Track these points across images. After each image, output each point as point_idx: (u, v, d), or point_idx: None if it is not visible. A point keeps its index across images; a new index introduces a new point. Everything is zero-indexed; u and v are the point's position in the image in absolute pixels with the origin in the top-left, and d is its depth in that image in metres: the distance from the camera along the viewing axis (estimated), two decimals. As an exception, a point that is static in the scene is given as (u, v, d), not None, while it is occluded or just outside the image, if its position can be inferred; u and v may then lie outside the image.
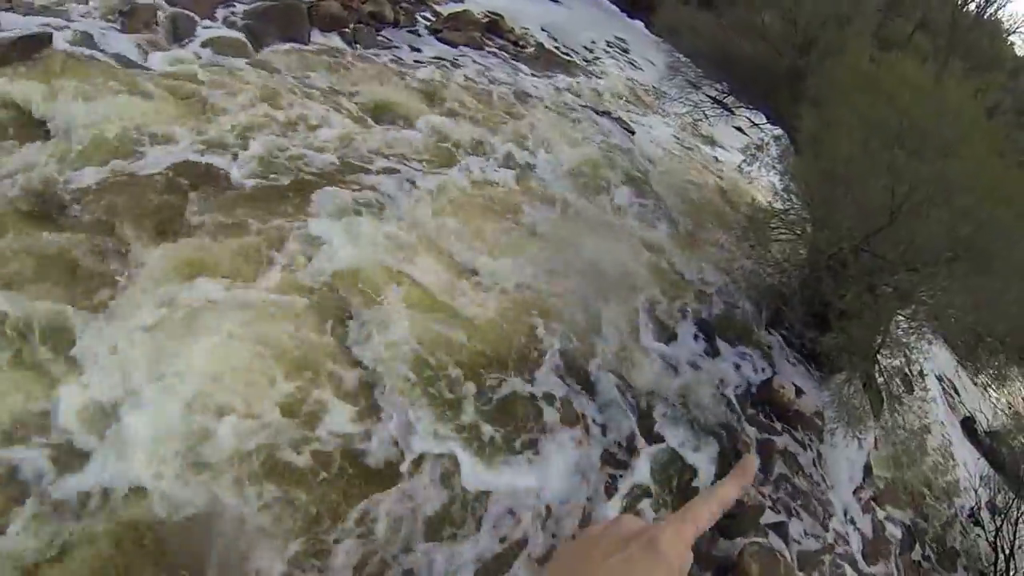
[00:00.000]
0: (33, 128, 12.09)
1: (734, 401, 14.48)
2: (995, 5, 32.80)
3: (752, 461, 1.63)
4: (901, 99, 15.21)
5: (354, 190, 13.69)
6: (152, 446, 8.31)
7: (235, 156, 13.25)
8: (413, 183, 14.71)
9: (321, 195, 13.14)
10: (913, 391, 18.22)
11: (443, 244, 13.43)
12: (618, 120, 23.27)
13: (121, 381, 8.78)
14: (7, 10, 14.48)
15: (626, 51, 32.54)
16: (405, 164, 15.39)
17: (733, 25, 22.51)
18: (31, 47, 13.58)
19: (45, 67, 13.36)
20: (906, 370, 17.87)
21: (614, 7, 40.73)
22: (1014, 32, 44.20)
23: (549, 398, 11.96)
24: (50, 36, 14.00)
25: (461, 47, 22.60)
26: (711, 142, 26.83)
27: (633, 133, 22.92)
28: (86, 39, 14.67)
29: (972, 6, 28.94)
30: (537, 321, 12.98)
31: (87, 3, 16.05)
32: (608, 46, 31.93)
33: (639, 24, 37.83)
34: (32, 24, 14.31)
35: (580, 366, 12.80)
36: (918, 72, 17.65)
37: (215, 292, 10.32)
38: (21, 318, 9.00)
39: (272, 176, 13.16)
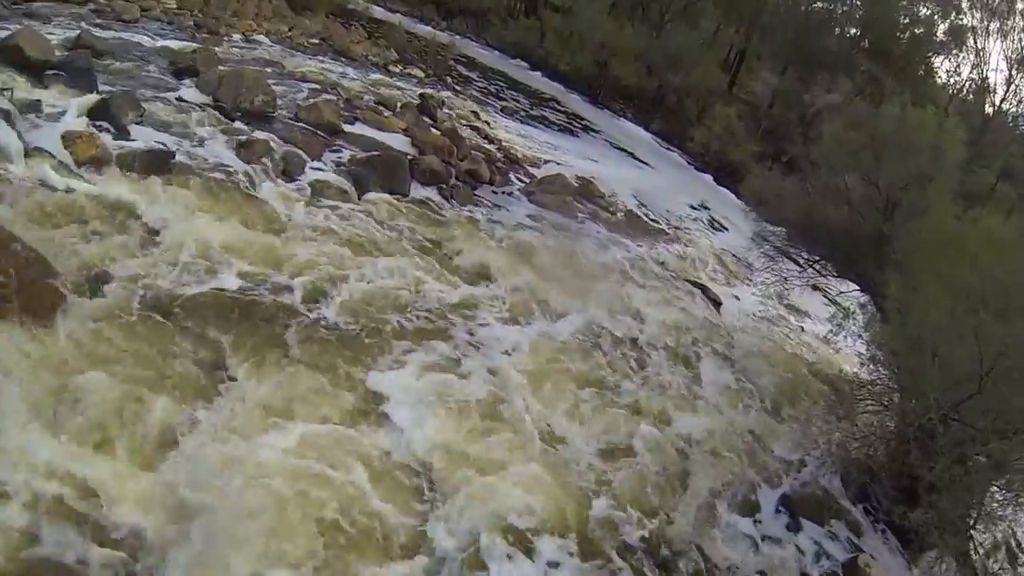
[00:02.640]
0: (147, 235, 12.82)
1: (817, 582, 13.74)
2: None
3: None
4: (984, 259, 15.15)
5: (440, 344, 13.95)
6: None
7: (327, 296, 13.68)
8: (497, 342, 14.93)
9: (406, 346, 13.43)
10: (1017, 568, 17.27)
11: (521, 408, 13.25)
12: (704, 289, 23.11)
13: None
14: (138, 123, 15.61)
15: (713, 218, 32.76)
16: (490, 322, 15.59)
17: (817, 190, 22.57)
18: (155, 161, 14.48)
19: (165, 181, 14.23)
20: (1008, 544, 17.01)
21: (703, 174, 41.50)
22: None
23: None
24: (172, 153, 14.97)
25: (552, 210, 22.94)
26: (797, 311, 26.25)
27: (719, 304, 22.72)
28: (204, 162, 15.55)
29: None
30: (615, 493, 12.63)
31: (209, 128, 17.15)
32: (696, 213, 32.18)
33: (728, 193, 38.20)
34: (159, 139, 15.35)
35: (658, 540, 12.34)
36: (1001, 229, 17.64)
37: (289, 435, 10.38)
38: (118, 404, 9.48)
39: (361, 322, 13.46)
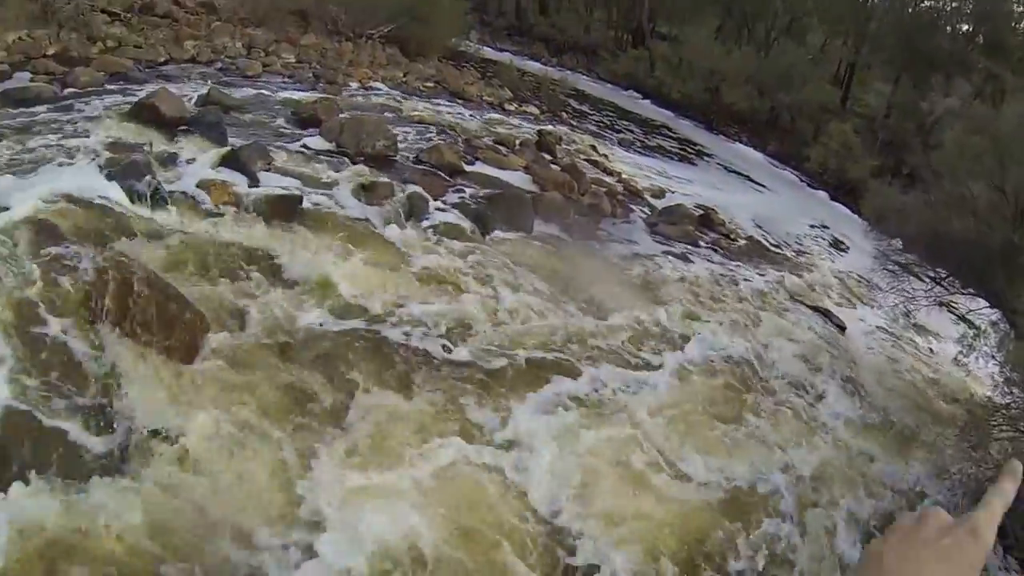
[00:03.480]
0: (278, 275, 13.31)
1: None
2: None
3: (1017, 464, 1.72)
4: None
5: (570, 380, 13.86)
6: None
7: (456, 334, 13.76)
8: (624, 375, 14.78)
9: (536, 384, 13.35)
10: None
11: (649, 445, 13.05)
12: (827, 313, 22.62)
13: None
14: (267, 171, 16.12)
15: (834, 239, 32.16)
16: (618, 355, 15.43)
17: (940, 202, 21.80)
18: (284, 205, 15.05)
19: (294, 224, 14.81)
20: None
21: (821, 193, 40.79)
22: None
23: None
24: (300, 198, 15.42)
25: (675, 240, 22.85)
26: (924, 332, 25.38)
27: (843, 328, 22.14)
28: (330, 205, 16.05)
29: None
30: (740, 528, 12.36)
31: (333, 173, 17.60)
32: (816, 234, 31.66)
33: (846, 210, 37.44)
34: (287, 185, 15.90)
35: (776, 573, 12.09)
36: None
37: (418, 469, 10.46)
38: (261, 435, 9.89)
39: (490, 359, 13.46)
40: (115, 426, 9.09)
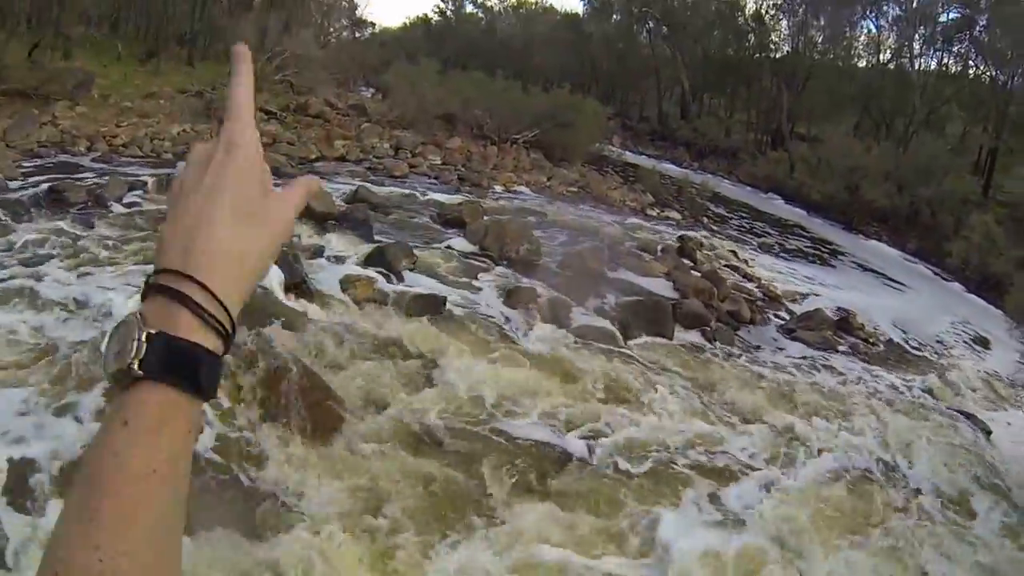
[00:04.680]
0: (420, 372, 13.78)
1: None
2: None
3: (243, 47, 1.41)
4: None
5: (707, 490, 13.59)
6: None
7: (596, 438, 13.76)
8: (762, 487, 14.36)
9: (673, 493, 13.10)
10: None
11: (785, 560, 12.53)
12: (972, 418, 21.33)
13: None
14: (411, 270, 16.36)
15: (978, 338, 30.71)
16: (756, 465, 15.09)
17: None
18: (428, 304, 15.80)
19: (436, 324, 15.33)
20: None
21: (961, 289, 39.41)
22: None
23: None
24: (444, 299, 15.83)
25: (813, 346, 22.52)
26: None
27: (989, 432, 20.87)
28: (474, 307, 16.65)
29: None
30: None
31: (477, 275, 17.77)
32: (958, 334, 30.41)
33: (989, 306, 35.90)
34: (431, 285, 16.27)
35: None
36: None
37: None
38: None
39: (630, 465, 13.33)
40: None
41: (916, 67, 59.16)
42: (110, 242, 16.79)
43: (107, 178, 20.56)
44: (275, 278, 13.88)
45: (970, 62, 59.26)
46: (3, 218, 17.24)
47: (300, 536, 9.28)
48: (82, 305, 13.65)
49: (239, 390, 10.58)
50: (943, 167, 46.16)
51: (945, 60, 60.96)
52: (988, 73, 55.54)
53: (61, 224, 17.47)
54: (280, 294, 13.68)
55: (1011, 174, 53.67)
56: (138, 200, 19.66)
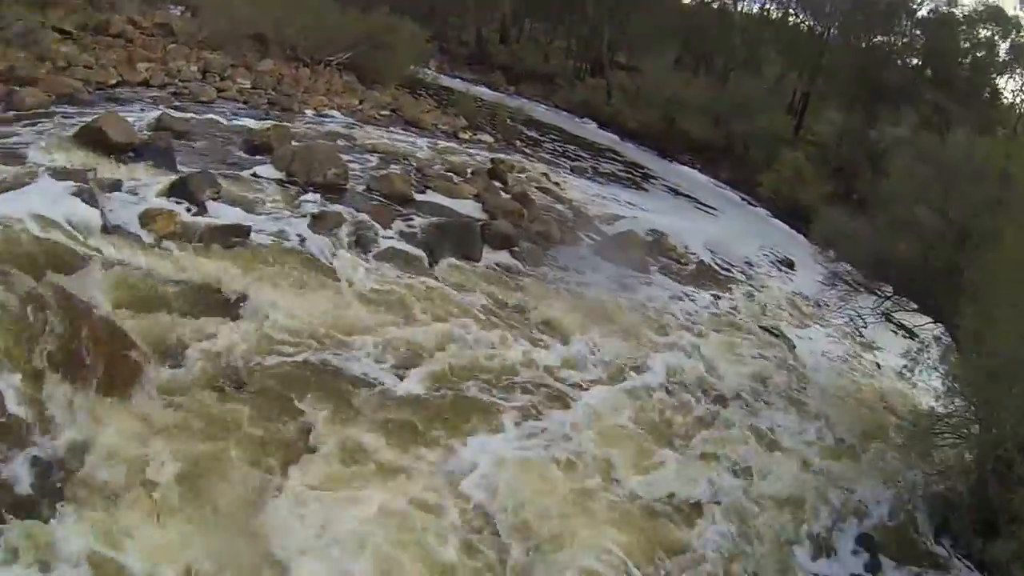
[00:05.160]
0: (224, 307, 13.17)
1: (903, 624, 13.02)
2: None
3: None
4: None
5: (517, 407, 13.87)
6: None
7: (405, 365, 13.71)
8: (574, 401, 14.87)
9: (485, 411, 13.39)
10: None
11: (599, 467, 13.09)
12: (778, 334, 22.85)
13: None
14: (216, 199, 15.99)
15: (784, 261, 32.32)
16: (566, 381, 15.45)
17: (888, 226, 22.06)
18: (232, 235, 15.00)
19: (242, 254, 14.71)
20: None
21: (771, 217, 41.29)
22: None
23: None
24: (249, 228, 15.29)
25: (626, 266, 22.63)
26: (872, 348, 25.76)
27: (794, 347, 22.38)
28: (279, 235, 15.91)
29: None
30: (692, 543, 12.41)
31: (283, 202, 17.47)
32: (766, 258, 31.75)
33: (796, 233, 37.77)
34: (235, 215, 15.76)
35: None
36: None
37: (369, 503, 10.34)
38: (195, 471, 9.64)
39: (439, 389, 13.45)
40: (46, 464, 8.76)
41: (739, 9, 61.34)
42: None
43: None
44: (66, 216, 12.79)
45: (791, 10, 61.40)
46: None
47: (94, 508, 8.58)
48: None
49: (25, 346, 9.20)
50: (759, 105, 48.19)
51: (768, 5, 63.17)
52: (807, 23, 58.44)
53: None
54: (72, 234, 12.49)
55: (821, 118, 56.58)
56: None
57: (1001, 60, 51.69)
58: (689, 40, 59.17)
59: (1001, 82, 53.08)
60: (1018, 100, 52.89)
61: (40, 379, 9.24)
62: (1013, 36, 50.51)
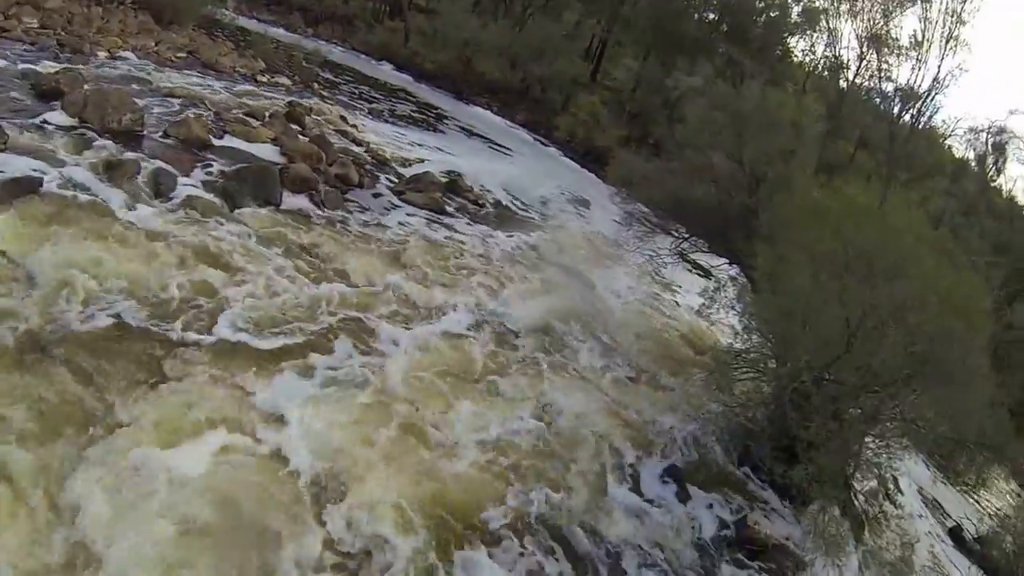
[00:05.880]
0: (14, 268, 12.44)
1: (709, 544, 14.18)
2: (927, 114, 34.52)
3: None
4: (847, 227, 15.93)
5: (321, 351, 14.03)
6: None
7: (205, 315, 13.53)
8: (378, 344, 15.09)
9: (286, 356, 13.43)
10: (893, 509, 17.98)
11: (405, 409, 13.42)
12: (578, 274, 23.59)
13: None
14: (1, 150, 15.14)
15: (582, 202, 33.28)
16: (370, 325, 15.63)
17: (684, 170, 23.17)
18: (21, 189, 14.17)
19: (32, 211, 13.89)
20: (883, 490, 17.70)
21: (567, 159, 42.27)
22: (949, 136, 46.90)
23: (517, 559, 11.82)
24: (40, 180, 14.56)
25: (423, 208, 23.17)
26: (670, 288, 27.18)
27: (594, 286, 23.20)
28: (73, 187, 15.23)
29: (907, 117, 30.22)
30: (502, 480, 12.94)
31: (75, 151, 16.68)
32: (564, 200, 32.60)
33: (594, 176, 38.76)
34: (23, 167, 14.88)
35: (548, 521, 12.62)
36: (860, 196, 18.35)
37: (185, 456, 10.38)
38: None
39: (239, 337, 13.39)
40: None
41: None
42: None
43: None
44: None
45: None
46: None
47: None
48: None
49: None
50: (556, 49, 49.17)
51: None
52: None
53: None
54: None
55: (619, 64, 58.43)
56: None
57: (793, 21, 55.47)
58: (488, -18, 59.18)
59: (792, 41, 57.19)
60: (807, 60, 57.11)
61: None
62: (805, 0, 53.26)
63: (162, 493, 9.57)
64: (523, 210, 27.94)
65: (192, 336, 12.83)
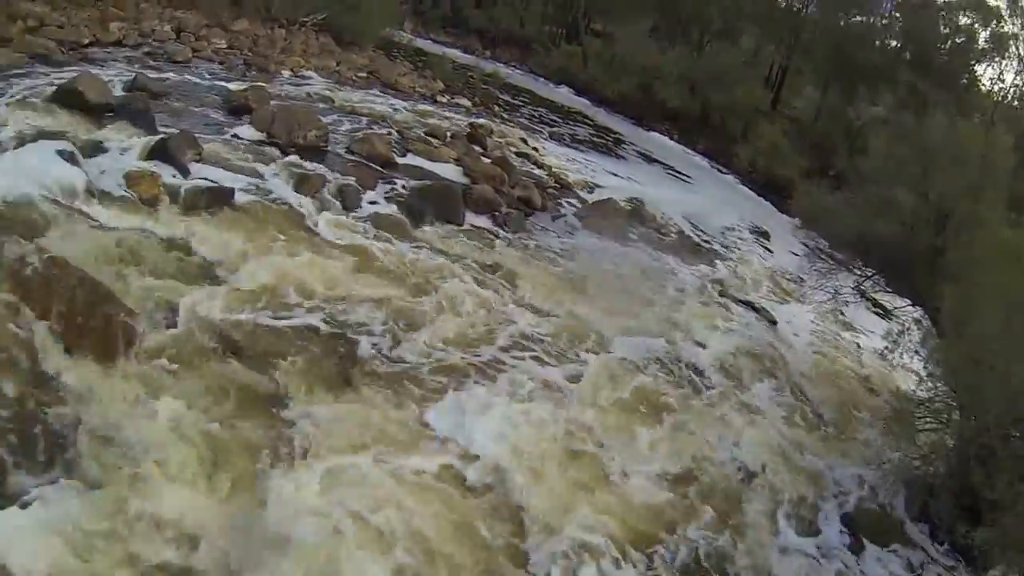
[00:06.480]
0: (210, 270, 13.07)
1: (882, 602, 13.37)
2: None
3: None
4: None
5: (502, 374, 13.91)
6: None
7: (389, 328, 13.68)
8: (559, 370, 14.87)
9: (470, 378, 13.38)
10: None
11: (587, 437, 13.14)
12: (758, 309, 22.86)
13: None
14: (197, 161, 15.79)
15: (762, 234, 32.31)
16: (550, 351, 15.44)
17: (867, 205, 22.17)
18: (215, 197, 14.91)
19: (226, 217, 14.59)
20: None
21: (746, 188, 41.13)
22: None
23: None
24: (232, 190, 15.28)
25: (605, 234, 22.78)
26: (851, 328, 25.70)
27: (774, 323, 22.42)
28: (263, 197, 15.90)
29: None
30: (678, 514, 12.53)
31: (265, 163, 17.34)
32: (745, 231, 31.78)
33: (774, 208, 37.73)
34: (218, 176, 15.71)
35: (721, 560, 12.14)
36: None
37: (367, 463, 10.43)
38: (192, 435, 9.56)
39: (423, 354, 13.48)
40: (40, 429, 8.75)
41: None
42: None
43: None
44: (48, 179, 12.64)
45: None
46: None
47: (120, 476, 8.53)
48: None
49: (15, 313, 9.50)
50: (736, 77, 48.03)
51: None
52: (785, -2, 57.61)
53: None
54: (56, 198, 12.41)
55: (798, 93, 57.09)
56: None
57: (980, 48, 51.94)
58: (664, 9, 58.54)
59: (980, 69, 53.48)
60: (995, 88, 52.92)
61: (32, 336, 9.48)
62: (993, 26, 50.73)
63: (343, 496, 9.62)
64: (705, 241, 27.27)
65: (376, 348, 13.03)
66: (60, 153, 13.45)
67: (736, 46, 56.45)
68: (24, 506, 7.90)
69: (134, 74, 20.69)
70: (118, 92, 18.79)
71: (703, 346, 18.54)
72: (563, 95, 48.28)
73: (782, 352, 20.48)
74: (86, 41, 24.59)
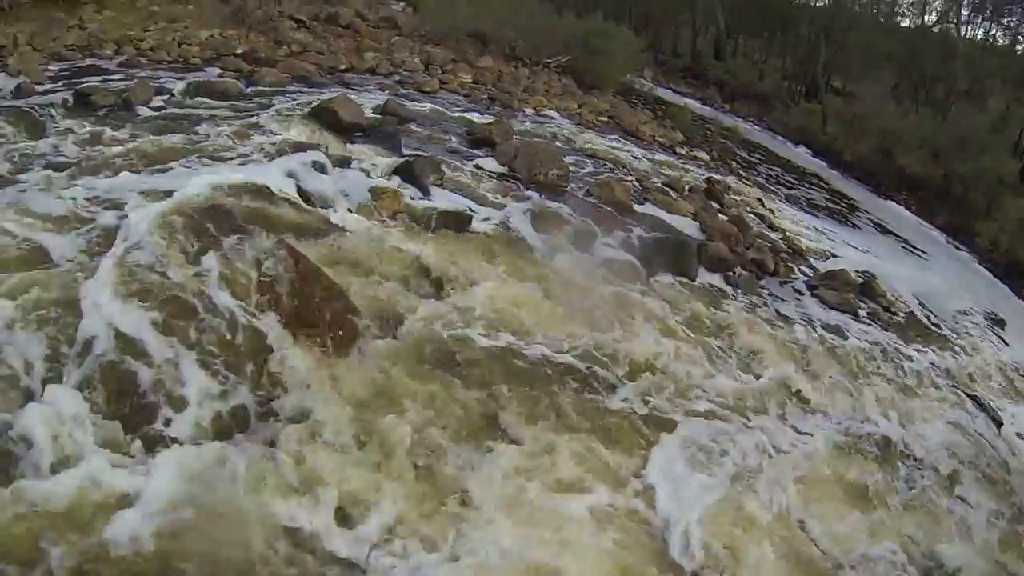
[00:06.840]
0: (441, 289, 13.70)
1: None
2: None
3: None
4: None
5: (713, 434, 13.53)
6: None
7: (610, 370, 13.74)
8: (770, 437, 14.40)
9: (681, 431, 13.09)
10: None
11: (784, 512, 12.66)
12: (985, 406, 21.08)
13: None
14: (439, 185, 16.36)
15: (997, 322, 30.07)
16: (767, 417, 15.06)
17: None
18: (453, 221, 15.73)
19: (461, 241, 15.32)
20: None
21: (982, 268, 38.50)
22: None
23: None
24: (470, 216, 16.14)
25: (834, 307, 22.22)
26: None
27: (1000, 424, 20.56)
28: (500, 227, 16.57)
29: None
30: None
31: (504, 196, 18.36)
32: (979, 316, 29.86)
33: (1011, 291, 35.42)
34: (457, 202, 16.74)
35: None
36: None
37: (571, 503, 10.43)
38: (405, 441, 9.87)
39: (637, 399, 13.37)
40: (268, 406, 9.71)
41: (962, 34, 57.74)
42: (132, 144, 16.57)
43: (134, 82, 20.41)
44: (300, 186, 14.17)
45: (1020, 37, 58.10)
46: (28, 120, 16.95)
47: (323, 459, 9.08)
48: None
49: (258, 293, 10.60)
50: (981, 143, 45.04)
51: (993, 31, 59.72)
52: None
53: (87, 127, 17.23)
54: (304, 203, 13.84)
55: None
56: (164, 104, 19.61)
57: None
58: (907, 66, 56.58)
59: None
60: None
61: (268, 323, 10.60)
62: None
63: (541, 527, 9.73)
64: (935, 324, 26.02)
65: (586, 385, 13.15)
66: (314, 164, 14.99)
67: (983, 108, 53.36)
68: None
69: (385, 99, 21.66)
70: (369, 114, 20.11)
71: (916, 434, 17.64)
72: (799, 155, 47.50)
73: (1004, 456, 19.10)
74: (342, 67, 26.65)
